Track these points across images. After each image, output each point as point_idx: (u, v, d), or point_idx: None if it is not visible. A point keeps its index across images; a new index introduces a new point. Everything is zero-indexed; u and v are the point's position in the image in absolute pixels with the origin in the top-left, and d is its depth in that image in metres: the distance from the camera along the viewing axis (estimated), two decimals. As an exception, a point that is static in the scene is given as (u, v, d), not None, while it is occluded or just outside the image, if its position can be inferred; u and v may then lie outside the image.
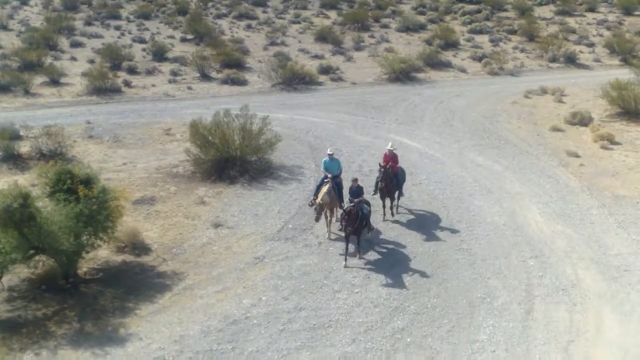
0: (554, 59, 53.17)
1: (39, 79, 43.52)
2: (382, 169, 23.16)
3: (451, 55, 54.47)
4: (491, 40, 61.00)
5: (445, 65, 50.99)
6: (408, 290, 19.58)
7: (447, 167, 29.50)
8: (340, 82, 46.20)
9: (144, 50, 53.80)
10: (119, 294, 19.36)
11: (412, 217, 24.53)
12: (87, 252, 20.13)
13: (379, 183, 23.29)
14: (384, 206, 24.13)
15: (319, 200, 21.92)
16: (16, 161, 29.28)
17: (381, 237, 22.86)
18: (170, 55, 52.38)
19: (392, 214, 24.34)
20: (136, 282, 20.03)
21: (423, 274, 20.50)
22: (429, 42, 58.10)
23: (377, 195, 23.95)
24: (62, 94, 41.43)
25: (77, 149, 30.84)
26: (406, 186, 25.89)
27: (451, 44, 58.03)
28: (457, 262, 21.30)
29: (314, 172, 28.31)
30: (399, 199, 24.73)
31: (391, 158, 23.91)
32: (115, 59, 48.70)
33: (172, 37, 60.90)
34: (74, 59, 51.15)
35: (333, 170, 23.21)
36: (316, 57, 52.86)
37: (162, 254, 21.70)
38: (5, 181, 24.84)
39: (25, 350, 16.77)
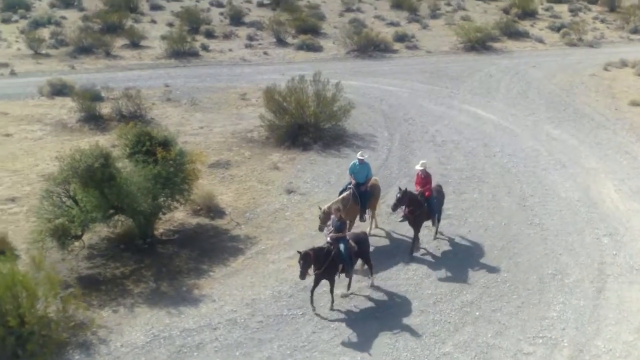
0: (635, 31, 51.77)
1: (119, 42, 44.49)
2: (401, 193, 19.23)
3: (529, 25, 53.57)
4: (570, 10, 59.70)
5: (522, 35, 50.21)
6: (478, 263, 19.55)
7: (521, 139, 29.10)
8: (415, 50, 45.96)
9: (221, 14, 54.47)
10: (194, 255, 19.86)
11: (484, 189, 24.30)
12: (164, 214, 20.71)
13: (397, 205, 19.39)
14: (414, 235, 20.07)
15: (325, 207, 19.30)
16: (97, 122, 30.10)
17: (452, 208, 22.58)
18: (247, 19, 52.85)
19: (412, 251, 19.96)
20: (210, 244, 20.51)
21: (494, 248, 20.38)
22: (506, 11, 57.27)
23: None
24: (141, 56, 42.28)
25: (156, 111, 31.50)
26: (478, 159, 25.69)
27: (529, 14, 57.08)
28: (528, 236, 21.10)
29: (386, 141, 28.39)
30: (437, 223, 20.88)
31: (424, 179, 20.01)
32: (193, 22, 49.36)
33: (248, 1, 61.47)
34: (153, 22, 52.03)
35: (360, 177, 20.43)
36: (392, 24, 52.66)
37: (236, 218, 22.12)
38: (87, 141, 25.59)
39: (104, 307, 17.35)
